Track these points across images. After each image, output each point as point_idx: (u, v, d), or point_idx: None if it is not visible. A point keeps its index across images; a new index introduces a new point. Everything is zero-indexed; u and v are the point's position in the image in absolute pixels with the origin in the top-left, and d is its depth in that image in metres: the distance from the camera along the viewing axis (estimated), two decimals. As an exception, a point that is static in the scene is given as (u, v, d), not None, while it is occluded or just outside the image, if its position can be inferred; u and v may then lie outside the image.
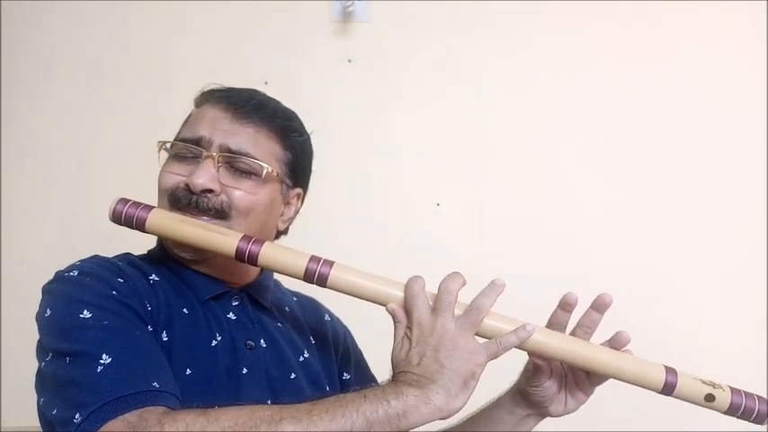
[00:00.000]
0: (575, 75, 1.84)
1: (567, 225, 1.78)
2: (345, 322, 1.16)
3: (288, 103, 1.02)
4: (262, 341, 0.94)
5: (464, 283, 0.82)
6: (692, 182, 1.80)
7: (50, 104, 1.78)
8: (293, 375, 0.95)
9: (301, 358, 0.99)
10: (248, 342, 0.92)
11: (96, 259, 0.90)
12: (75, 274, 0.85)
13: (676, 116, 1.82)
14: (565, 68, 1.84)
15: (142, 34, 1.82)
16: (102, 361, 0.74)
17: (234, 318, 0.94)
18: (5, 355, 1.65)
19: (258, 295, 0.99)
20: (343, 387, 1.05)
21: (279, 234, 1.03)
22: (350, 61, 1.83)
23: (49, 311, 0.82)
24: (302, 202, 1.04)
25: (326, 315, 1.12)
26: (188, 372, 0.84)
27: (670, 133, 1.82)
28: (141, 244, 1.00)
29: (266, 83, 1.71)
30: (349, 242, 1.72)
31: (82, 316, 0.78)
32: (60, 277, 0.86)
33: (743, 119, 1.82)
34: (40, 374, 0.81)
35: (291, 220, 1.03)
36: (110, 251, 0.96)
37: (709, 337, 1.72)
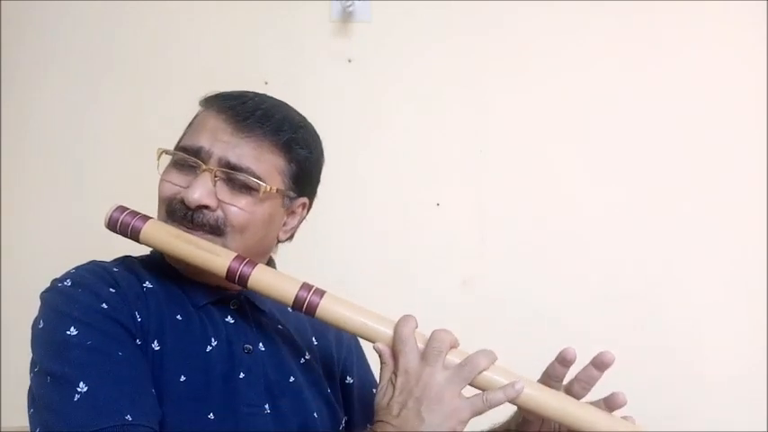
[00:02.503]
0: (575, 75, 1.83)
1: (567, 225, 1.78)
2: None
3: (287, 102, 1.02)
4: (260, 344, 0.93)
5: (457, 341, 0.79)
6: (692, 182, 1.80)
7: (50, 104, 1.78)
8: (292, 379, 0.94)
9: (302, 360, 0.98)
10: (246, 346, 0.91)
11: (91, 266, 0.89)
12: (68, 284, 0.85)
13: (676, 116, 1.82)
14: (565, 69, 1.83)
15: (142, 34, 1.81)
16: (78, 389, 0.75)
17: (232, 321, 0.93)
18: (5, 355, 1.65)
19: (256, 298, 0.97)
20: (346, 390, 1.04)
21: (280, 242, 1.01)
22: (350, 61, 1.83)
23: (42, 323, 0.82)
24: (308, 210, 1.01)
25: None
26: (182, 379, 0.84)
27: (670, 133, 1.82)
28: (141, 247, 0.99)
29: (266, 83, 1.71)
30: (348, 242, 1.71)
31: (69, 333, 0.79)
32: (54, 287, 0.86)
33: (743, 119, 1.82)
34: (30, 384, 0.82)
35: (295, 228, 1.00)
36: (110, 253, 0.96)
37: (710, 337, 1.72)
